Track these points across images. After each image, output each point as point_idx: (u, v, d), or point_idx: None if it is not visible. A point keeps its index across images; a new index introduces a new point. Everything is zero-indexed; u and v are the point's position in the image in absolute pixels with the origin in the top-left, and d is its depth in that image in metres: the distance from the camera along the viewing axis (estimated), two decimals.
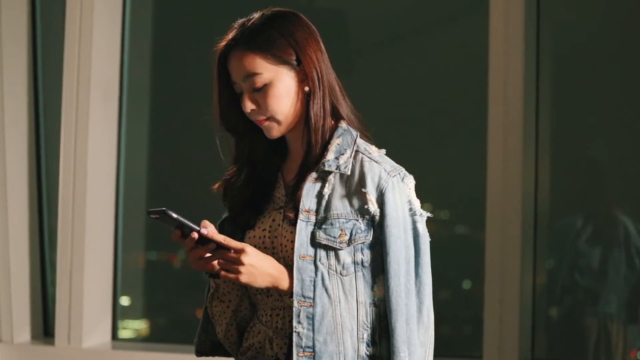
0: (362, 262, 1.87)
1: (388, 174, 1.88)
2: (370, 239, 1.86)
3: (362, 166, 1.90)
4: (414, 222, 1.87)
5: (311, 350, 1.83)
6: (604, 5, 3.02)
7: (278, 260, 1.87)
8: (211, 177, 1.95)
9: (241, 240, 1.90)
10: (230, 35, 1.87)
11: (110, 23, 3.32)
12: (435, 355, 1.89)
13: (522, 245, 2.83)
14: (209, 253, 1.79)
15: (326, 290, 1.85)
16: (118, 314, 3.37)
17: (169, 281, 3.47)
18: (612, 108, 2.94)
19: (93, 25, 3.24)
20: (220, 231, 1.90)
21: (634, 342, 2.87)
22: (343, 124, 1.93)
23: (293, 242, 1.86)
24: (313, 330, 1.83)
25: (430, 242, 1.85)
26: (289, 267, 1.86)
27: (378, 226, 1.86)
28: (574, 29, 3.04)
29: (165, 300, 3.48)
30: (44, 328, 3.42)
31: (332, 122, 1.93)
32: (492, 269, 2.84)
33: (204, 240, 1.79)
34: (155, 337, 3.40)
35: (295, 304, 1.83)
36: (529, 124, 2.87)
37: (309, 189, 1.89)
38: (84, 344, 3.24)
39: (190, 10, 3.48)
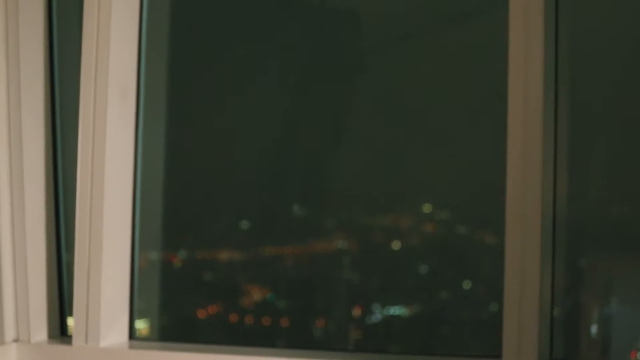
0: None
1: None
2: None
3: None
4: None
5: None
6: (624, 4, 3.00)
7: None
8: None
9: None
10: None
11: (128, 20, 3.31)
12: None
13: (541, 246, 2.82)
14: None
15: None
16: (135, 313, 3.37)
17: (169, 281, 3.46)
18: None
19: (111, 23, 3.25)
20: None
21: (634, 342, 2.87)
22: None
23: None
24: None
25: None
26: None
27: None
28: (594, 27, 3.02)
29: (165, 300, 3.47)
30: (61, 327, 3.42)
31: None
32: (511, 270, 2.82)
33: None
34: (154, 337, 3.41)
35: None
36: (547, 126, 2.86)
37: None
38: (101, 344, 3.25)
39: (209, 8, 3.47)
